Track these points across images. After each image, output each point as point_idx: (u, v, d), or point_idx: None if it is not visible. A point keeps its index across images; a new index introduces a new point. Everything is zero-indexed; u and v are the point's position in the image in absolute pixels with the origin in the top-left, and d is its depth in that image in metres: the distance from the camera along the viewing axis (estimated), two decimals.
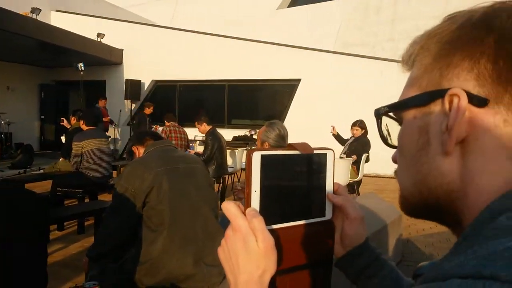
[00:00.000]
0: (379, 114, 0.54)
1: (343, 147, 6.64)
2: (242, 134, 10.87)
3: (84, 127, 5.17)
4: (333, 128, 7.06)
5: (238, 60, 11.57)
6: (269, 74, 11.37)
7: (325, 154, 0.66)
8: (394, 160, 0.54)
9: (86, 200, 5.29)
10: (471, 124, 0.42)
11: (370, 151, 6.26)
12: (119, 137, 12.97)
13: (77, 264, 3.92)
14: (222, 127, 11.09)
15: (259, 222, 0.54)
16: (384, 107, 0.53)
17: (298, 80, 11.12)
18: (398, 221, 3.44)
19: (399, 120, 0.52)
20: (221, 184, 6.45)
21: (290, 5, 12.97)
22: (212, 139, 6.06)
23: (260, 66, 11.30)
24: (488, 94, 0.42)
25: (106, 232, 2.12)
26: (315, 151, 0.64)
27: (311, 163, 0.64)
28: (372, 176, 8.73)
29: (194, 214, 2.13)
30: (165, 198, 2.04)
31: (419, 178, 0.48)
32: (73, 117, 6.73)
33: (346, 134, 6.83)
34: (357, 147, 6.24)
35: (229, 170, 6.70)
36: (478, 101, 0.42)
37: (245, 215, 0.56)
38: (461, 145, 0.43)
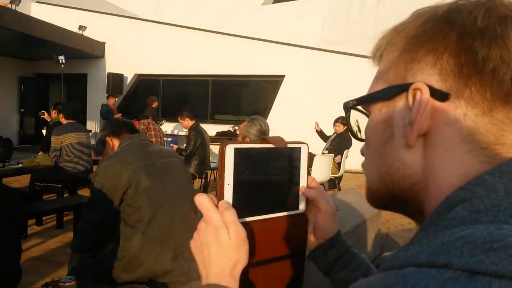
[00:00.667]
0: (347, 107, 0.55)
1: (326, 143, 6.71)
2: (226, 130, 10.86)
3: (64, 121, 5.09)
4: (317, 124, 7.12)
5: (223, 55, 11.52)
6: (253, 70, 11.36)
7: (299, 148, 0.66)
8: (362, 153, 0.54)
9: (65, 195, 5.21)
10: (433, 117, 0.43)
11: (351, 147, 6.33)
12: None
13: (55, 259, 3.87)
14: (206, 122, 11.06)
15: (231, 215, 0.55)
16: (352, 100, 0.54)
17: (282, 76, 11.15)
18: (377, 216, 3.49)
19: (368, 114, 0.53)
20: (203, 180, 6.43)
21: (275, 1, 12.96)
22: (195, 134, 6.03)
23: (245, 61, 11.28)
24: (450, 88, 0.42)
25: (85, 227, 2.09)
26: (289, 145, 0.64)
27: (285, 157, 0.65)
28: (354, 172, 8.82)
29: (172, 209, 2.11)
30: (143, 194, 2.02)
31: (384, 170, 0.48)
32: (54, 111, 6.61)
33: (329, 131, 6.89)
34: (339, 143, 6.32)
35: (212, 165, 6.68)
36: (440, 95, 0.42)
37: (218, 208, 0.56)
38: (423, 138, 0.44)
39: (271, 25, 11.62)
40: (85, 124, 11.00)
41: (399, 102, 0.46)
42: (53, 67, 11.15)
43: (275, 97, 11.28)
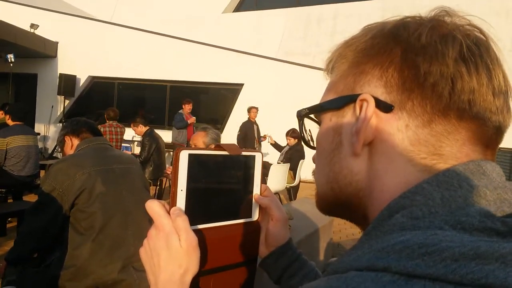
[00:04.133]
0: (300, 115, 0.56)
1: (280, 154, 6.83)
2: None
3: (10, 122, 4.83)
4: (270, 137, 7.29)
5: (181, 61, 11.41)
6: (212, 77, 11.32)
7: (253, 156, 0.67)
8: (314, 160, 0.56)
9: (9, 200, 4.95)
10: (377, 128, 0.45)
11: (307, 158, 6.46)
12: (49, 135, 12.25)
13: None
14: (163, 128, 10.86)
15: (183, 221, 0.54)
16: (305, 109, 0.56)
17: (241, 85, 11.18)
18: (329, 225, 3.56)
19: (319, 122, 0.55)
20: (158, 187, 6.31)
21: (236, 10, 13.03)
22: (149, 140, 5.91)
23: (204, 68, 11.22)
24: (394, 100, 0.44)
25: (27, 231, 1.97)
26: (243, 153, 0.65)
27: (239, 165, 0.65)
28: (310, 182, 8.95)
29: (126, 218, 2.05)
30: (97, 201, 1.95)
31: (332, 176, 0.50)
32: (1, 111, 6.29)
33: (285, 141, 6.99)
34: (292, 155, 6.45)
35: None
36: (384, 107, 0.45)
37: (169, 214, 0.55)
38: (369, 147, 0.46)
39: (231, 33, 11.66)
40: (33, 127, 10.49)
41: (348, 112, 0.48)
42: (1, 65, 10.58)
43: (233, 105, 11.29)
